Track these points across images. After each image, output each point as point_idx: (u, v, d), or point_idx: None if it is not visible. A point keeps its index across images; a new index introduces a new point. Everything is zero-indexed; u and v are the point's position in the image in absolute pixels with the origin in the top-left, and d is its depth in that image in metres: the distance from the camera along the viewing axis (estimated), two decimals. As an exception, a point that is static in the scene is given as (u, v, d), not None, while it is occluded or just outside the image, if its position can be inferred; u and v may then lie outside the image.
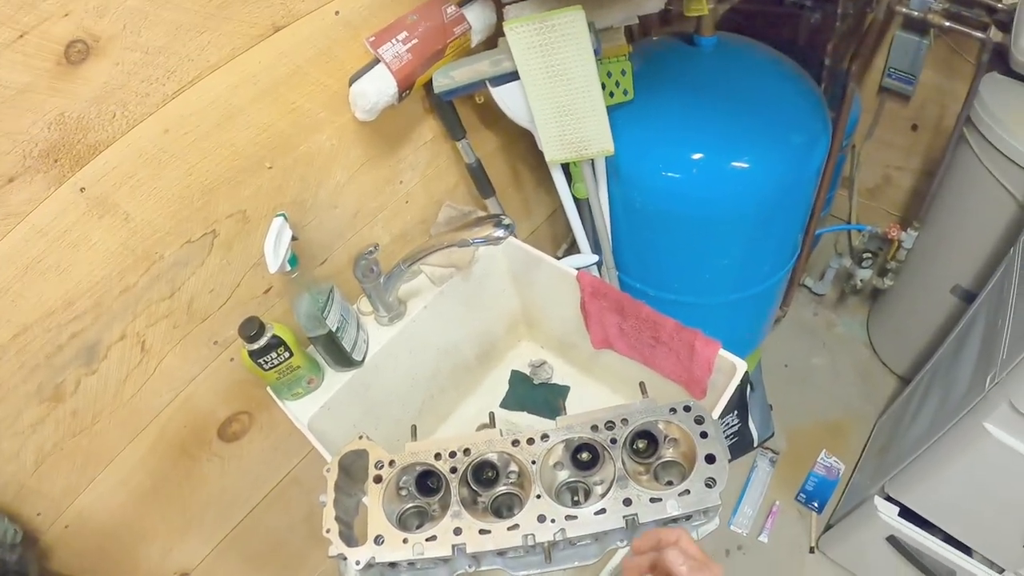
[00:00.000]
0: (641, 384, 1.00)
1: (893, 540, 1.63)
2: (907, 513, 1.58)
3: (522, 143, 1.58)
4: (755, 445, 2.05)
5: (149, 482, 1.23)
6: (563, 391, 1.49)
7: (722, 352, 1.14)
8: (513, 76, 1.19)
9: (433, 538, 0.85)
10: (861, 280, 2.16)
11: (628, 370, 1.34)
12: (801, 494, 2.05)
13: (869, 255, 2.15)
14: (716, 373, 1.16)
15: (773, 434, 2.11)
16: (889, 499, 1.62)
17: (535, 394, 1.50)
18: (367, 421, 1.30)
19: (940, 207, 1.89)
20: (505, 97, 1.23)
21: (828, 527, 1.97)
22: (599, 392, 1.46)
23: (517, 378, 1.53)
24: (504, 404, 1.50)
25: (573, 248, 1.75)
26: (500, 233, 1.06)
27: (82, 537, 1.18)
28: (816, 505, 2.03)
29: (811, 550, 1.97)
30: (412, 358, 1.35)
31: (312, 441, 1.16)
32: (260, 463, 1.42)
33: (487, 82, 1.21)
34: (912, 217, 2.03)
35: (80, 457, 1.11)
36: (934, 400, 1.64)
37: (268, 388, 1.24)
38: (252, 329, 1.08)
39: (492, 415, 1.00)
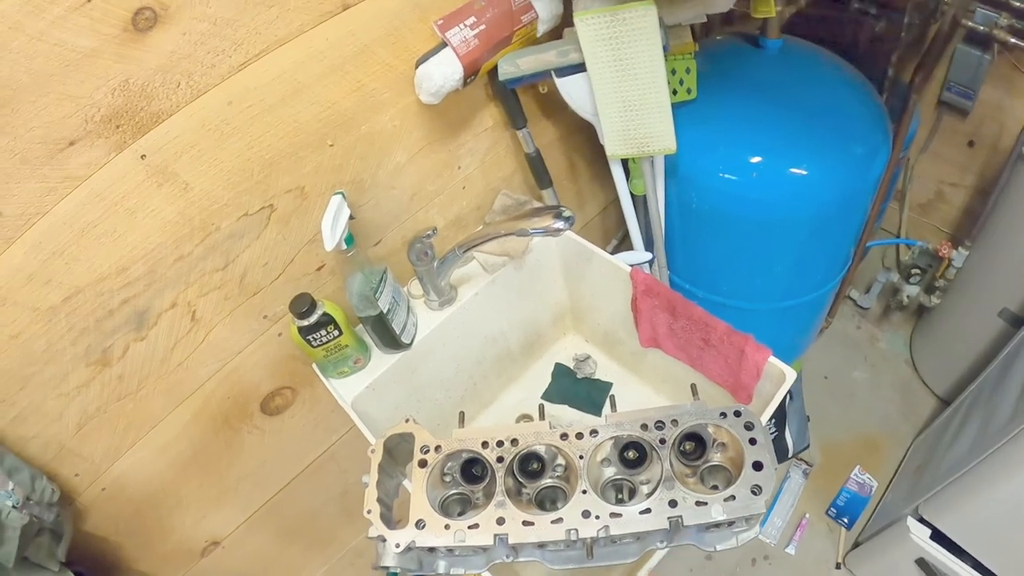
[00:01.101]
0: (692, 386, 0.98)
1: (922, 563, 1.59)
2: (939, 537, 1.54)
3: (580, 135, 1.56)
4: (790, 455, 2.02)
5: (189, 451, 1.24)
6: (605, 387, 1.47)
7: (772, 359, 1.11)
8: (579, 68, 1.17)
9: (475, 526, 0.83)
10: (908, 296, 2.11)
11: (673, 370, 1.32)
12: (832, 508, 2.01)
13: (917, 271, 2.10)
14: (763, 380, 1.13)
15: (808, 446, 2.07)
16: (922, 521, 1.57)
17: (577, 388, 1.48)
18: (410, 404, 1.29)
19: (993, 227, 1.84)
20: (570, 88, 1.21)
21: (856, 544, 1.93)
22: (641, 390, 1.44)
23: (560, 371, 1.51)
24: (546, 396, 1.49)
25: (623, 244, 1.73)
26: (560, 225, 1.04)
27: (118, 501, 1.18)
28: (846, 521, 1.99)
29: (838, 566, 1.93)
30: (459, 344, 1.34)
31: (355, 420, 1.15)
32: (299, 438, 1.43)
33: (553, 72, 1.19)
34: (962, 235, 1.97)
35: (123, 422, 1.12)
36: (975, 424, 1.59)
37: (314, 365, 1.23)
38: (303, 306, 1.07)
39: (542, 407, 0.99)
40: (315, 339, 1.11)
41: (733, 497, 0.82)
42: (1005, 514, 1.35)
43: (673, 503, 0.83)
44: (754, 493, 0.83)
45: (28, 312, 0.92)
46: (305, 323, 1.08)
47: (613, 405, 0.97)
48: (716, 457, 0.90)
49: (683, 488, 0.84)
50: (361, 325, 1.20)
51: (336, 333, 1.12)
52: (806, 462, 2.09)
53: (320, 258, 1.20)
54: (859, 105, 1.41)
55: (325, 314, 1.09)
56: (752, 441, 0.86)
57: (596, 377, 1.49)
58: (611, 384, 1.48)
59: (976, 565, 1.48)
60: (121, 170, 0.90)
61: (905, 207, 2.21)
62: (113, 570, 1.27)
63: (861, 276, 2.31)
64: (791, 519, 2.01)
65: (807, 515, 2.01)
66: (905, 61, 1.78)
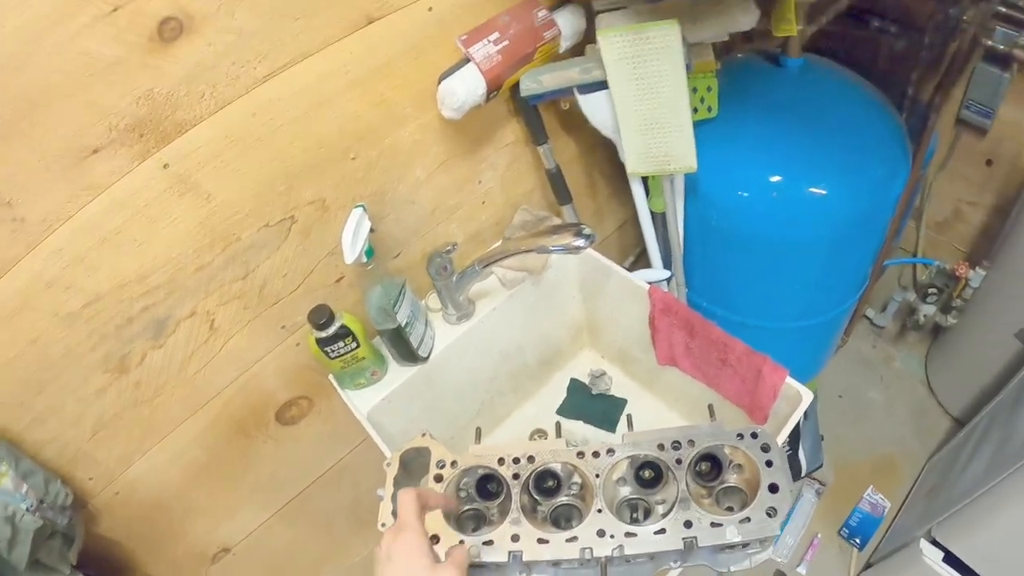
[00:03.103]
0: (710, 407, 0.98)
1: (934, 586, 1.57)
2: (951, 560, 1.51)
3: (600, 152, 1.56)
4: (803, 474, 2.00)
5: (203, 458, 1.24)
6: (621, 403, 1.47)
7: (789, 380, 1.11)
8: (602, 85, 1.17)
9: (490, 542, 0.83)
10: (924, 316, 2.10)
11: (688, 389, 1.31)
12: (844, 529, 2.00)
13: (934, 291, 2.09)
14: (780, 400, 1.13)
15: (821, 465, 2.05)
16: (935, 543, 1.55)
17: (593, 404, 1.48)
18: (425, 417, 1.29)
19: (1011, 247, 1.83)
20: (592, 106, 1.21)
21: (868, 565, 1.91)
22: (656, 408, 1.43)
23: (576, 386, 1.51)
24: (561, 411, 1.48)
25: (640, 260, 1.73)
26: (580, 243, 1.04)
27: (130, 506, 1.19)
28: (858, 541, 1.97)
29: (849, 586, 1.92)
30: (476, 358, 1.34)
31: (370, 433, 1.15)
32: (314, 448, 1.43)
33: (575, 89, 1.19)
34: (980, 255, 1.96)
35: (138, 428, 1.12)
36: (990, 446, 1.58)
37: (331, 376, 1.24)
38: (322, 317, 1.07)
39: (558, 424, 0.98)
40: (333, 351, 1.11)
41: (748, 519, 0.81)
42: (1020, 538, 1.33)
43: (688, 524, 0.82)
44: (769, 515, 0.82)
45: (48, 317, 0.93)
46: (323, 334, 1.09)
47: (630, 424, 0.96)
48: (732, 478, 0.89)
49: (698, 509, 0.84)
50: (379, 337, 1.20)
51: (354, 345, 1.12)
52: (819, 481, 2.08)
53: (340, 270, 1.20)
54: (879, 124, 1.41)
55: (343, 326, 1.10)
56: (768, 463, 0.86)
57: (611, 393, 1.49)
58: (626, 401, 1.47)
59: None
60: (144, 179, 0.91)
61: (922, 225, 2.20)
62: (124, 573, 1.27)
63: (877, 295, 2.30)
64: (803, 538, 1.99)
65: (819, 535, 2.00)
66: (924, 80, 1.77)
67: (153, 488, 1.21)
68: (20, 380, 0.95)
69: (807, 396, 1.10)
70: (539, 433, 1.44)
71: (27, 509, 0.93)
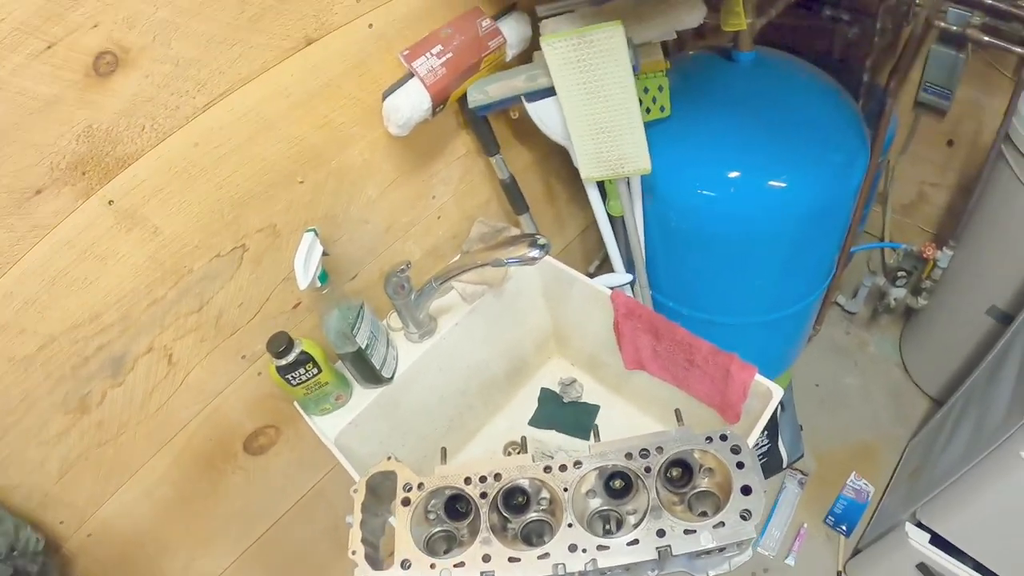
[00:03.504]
0: (677, 411, 0.97)
1: (923, 568, 1.57)
2: (939, 540, 1.52)
3: (555, 158, 1.55)
4: (784, 466, 2.00)
5: (174, 493, 1.22)
6: (593, 410, 1.46)
7: (758, 377, 1.10)
8: (549, 92, 1.16)
9: (461, 564, 0.82)
10: (895, 299, 2.10)
11: (659, 392, 1.31)
12: (830, 517, 2.00)
13: (903, 273, 2.09)
14: (751, 398, 1.12)
15: (802, 455, 2.06)
16: (920, 525, 1.56)
17: (565, 412, 1.47)
18: (394, 438, 1.28)
19: (976, 226, 1.83)
20: (541, 113, 1.20)
21: (856, 551, 1.91)
22: (629, 412, 1.42)
23: (547, 396, 1.50)
24: (533, 422, 1.47)
25: (604, 264, 1.72)
26: (535, 253, 1.03)
27: (104, 546, 1.16)
28: (844, 528, 1.97)
29: (838, 574, 1.92)
30: (442, 375, 1.32)
31: (339, 458, 1.13)
32: (285, 476, 1.41)
33: (522, 97, 1.18)
34: (947, 234, 1.97)
35: (105, 467, 1.10)
36: (968, 425, 1.58)
37: (295, 403, 1.22)
38: (280, 345, 1.06)
39: (524, 439, 0.98)
40: (294, 378, 1.09)
41: (722, 523, 0.81)
42: (1004, 515, 1.34)
43: (661, 532, 0.82)
44: (743, 518, 0.82)
45: (3, 362, 0.90)
46: (283, 362, 1.07)
47: (596, 435, 0.95)
48: (704, 483, 0.89)
49: (671, 517, 0.83)
50: (340, 361, 1.19)
51: (315, 371, 1.10)
52: (801, 471, 2.08)
53: (296, 296, 1.18)
54: (835, 113, 1.41)
55: (303, 352, 1.08)
56: (740, 465, 0.86)
57: (583, 400, 1.48)
58: (598, 407, 1.46)
59: (977, 567, 1.47)
60: (89, 217, 0.89)
61: (888, 209, 2.21)
62: (105, 615, 1.25)
63: (847, 281, 2.31)
64: (789, 529, 1.99)
65: (805, 525, 1.99)
66: (880, 66, 1.78)
67: (126, 527, 1.18)
68: (-21, 427, 0.93)
69: (777, 392, 1.10)
70: (513, 446, 1.42)
71: None
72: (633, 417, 1.42)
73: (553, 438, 1.43)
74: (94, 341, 0.97)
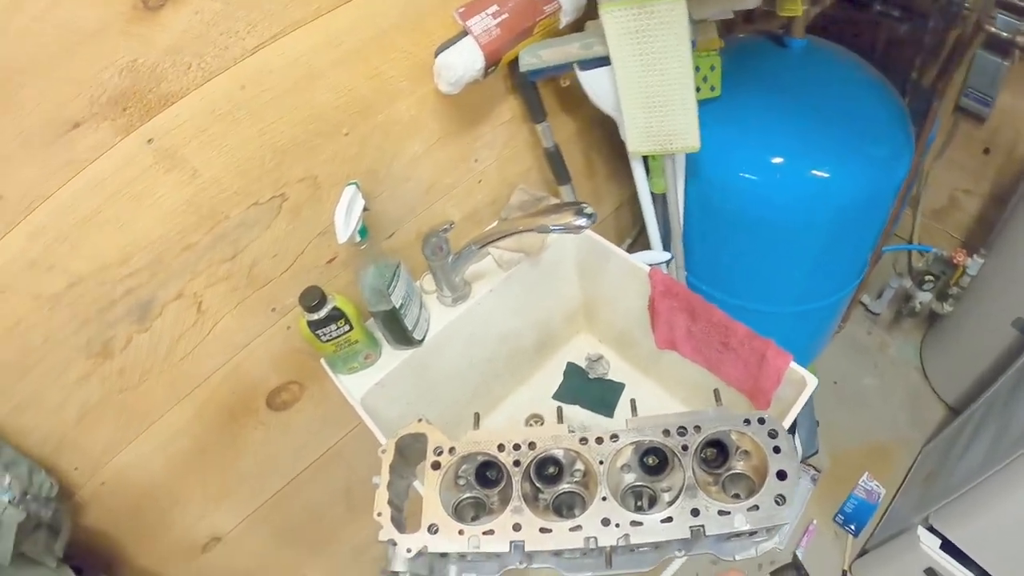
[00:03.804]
0: (715, 391, 0.94)
1: (931, 572, 1.55)
2: (948, 547, 1.51)
3: (599, 131, 1.50)
4: (798, 461, 1.98)
5: (192, 446, 1.19)
6: (618, 388, 1.43)
7: (793, 365, 1.08)
8: (604, 61, 1.12)
9: (491, 532, 0.79)
10: (920, 303, 2.07)
11: (688, 373, 1.27)
12: (839, 515, 1.98)
13: (931, 278, 2.06)
14: (783, 386, 1.10)
15: (817, 451, 2.03)
16: (932, 530, 1.54)
17: (590, 388, 1.43)
18: (420, 402, 1.25)
19: (1009, 236, 1.80)
20: (592, 82, 1.16)
21: (863, 552, 1.90)
22: (654, 393, 1.39)
23: (573, 370, 1.46)
24: (557, 396, 1.44)
25: (636, 243, 1.68)
26: (581, 222, 1.00)
27: (118, 495, 1.14)
28: (853, 528, 1.95)
29: (844, 573, 1.90)
30: (472, 341, 1.29)
31: (364, 418, 1.11)
32: (305, 434, 1.38)
33: (576, 65, 1.14)
34: (975, 243, 1.94)
35: (124, 415, 1.07)
36: (988, 435, 1.56)
37: (322, 360, 1.19)
38: (313, 299, 1.02)
39: (560, 409, 0.94)
40: (325, 334, 1.06)
41: (757, 507, 0.78)
42: (1018, 526, 1.32)
43: (695, 512, 0.79)
44: (777, 503, 0.78)
45: (29, 300, 0.87)
46: (315, 317, 1.04)
47: (634, 409, 0.92)
48: (739, 465, 0.86)
49: (705, 497, 0.80)
50: (372, 320, 1.16)
51: (346, 328, 1.07)
52: (814, 467, 2.05)
53: (332, 250, 1.15)
54: (882, 108, 1.38)
55: (336, 308, 1.05)
56: (776, 449, 0.82)
57: (609, 378, 1.45)
58: (623, 385, 1.43)
59: None
60: (127, 155, 0.86)
61: (919, 213, 2.17)
62: (112, 565, 1.23)
63: (873, 281, 2.27)
64: (798, 524, 1.97)
65: (814, 521, 1.97)
66: (927, 65, 1.74)
67: (141, 477, 1.16)
68: (1, 365, 0.90)
69: (811, 381, 1.07)
70: (535, 418, 1.40)
71: (10, 501, 0.88)
72: (660, 398, 1.38)
73: (576, 414, 1.40)
74: (123, 284, 0.94)
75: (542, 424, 1.35)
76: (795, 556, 0.67)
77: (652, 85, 1.11)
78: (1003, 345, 1.88)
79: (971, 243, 2.09)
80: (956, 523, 1.48)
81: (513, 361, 1.42)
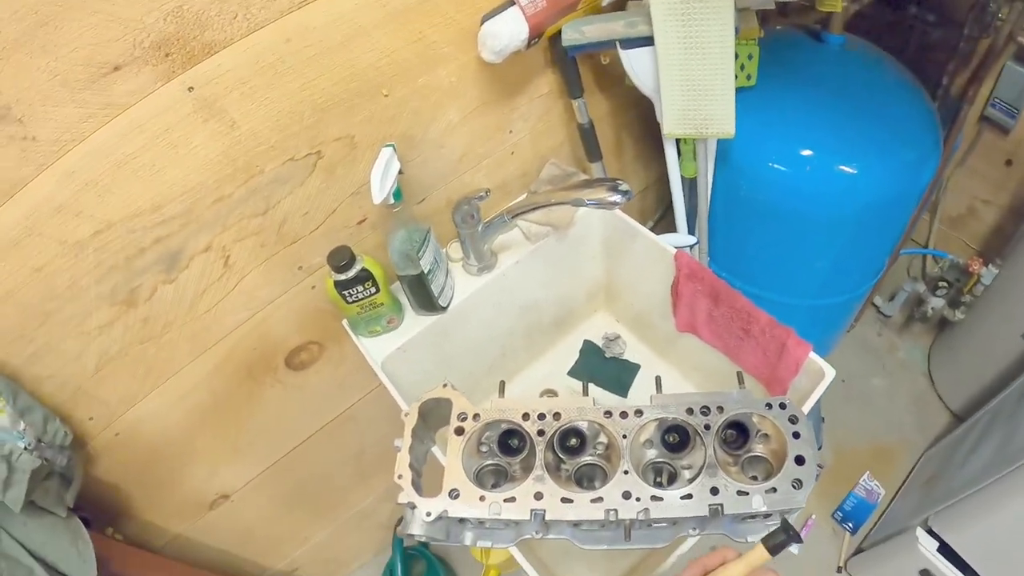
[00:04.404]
0: (739, 374, 0.92)
1: (926, 575, 1.54)
2: (945, 551, 1.50)
3: (632, 111, 1.48)
4: (817, 448, 1.97)
5: (208, 401, 1.18)
6: (634, 368, 1.40)
7: (812, 355, 1.05)
8: (646, 41, 1.09)
9: (512, 500, 0.78)
10: (932, 308, 2.05)
11: (704, 358, 1.26)
12: (838, 512, 1.96)
13: (945, 284, 2.04)
14: (800, 376, 1.07)
15: (820, 447, 2.01)
16: (931, 533, 1.53)
17: (605, 367, 1.41)
18: (439, 370, 1.23)
19: (1025, 249, 1.78)
20: (634, 62, 1.13)
21: (859, 550, 1.88)
22: (669, 376, 1.36)
23: (589, 348, 1.44)
24: (573, 373, 1.42)
25: (659, 226, 1.66)
26: (616, 198, 0.98)
27: (130, 448, 1.13)
28: (851, 526, 1.94)
29: (839, 570, 1.89)
30: (494, 312, 1.27)
31: (385, 382, 1.09)
32: (321, 396, 1.37)
33: (618, 43, 1.11)
34: (990, 253, 1.92)
35: (143, 366, 1.06)
36: (992, 443, 1.55)
37: (344, 321, 1.17)
38: (343, 258, 1.01)
39: (586, 384, 0.92)
40: (351, 295, 1.05)
41: (775, 489, 0.77)
42: (1017, 534, 1.31)
43: (715, 491, 0.78)
44: (795, 487, 0.78)
45: (55, 244, 0.86)
46: (343, 277, 1.02)
47: (658, 386, 0.90)
48: (758, 448, 0.85)
49: (725, 476, 0.79)
50: (397, 284, 1.14)
51: (373, 290, 1.05)
52: (817, 464, 2.03)
53: (363, 211, 1.13)
54: (914, 111, 1.36)
55: (364, 269, 1.03)
56: (796, 435, 0.81)
57: (624, 358, 1.42)
58: (639, 366, 1.41)
59: None
60: (167, 101, 0.84)
61: (936, 219, 2.14)
62: (119, 517, 1.22)
63: (886, 283, 2.25)
64: (797, 518, 1.95)
65: (813, 516, 1.96)
66: (957, 72, 1.71)
67: (155, 430, 1.15)
68: (22, 310, 0.89)
69: (829, 373, 1.05)
70: (549, 393, 1.38)
71: (25, 448, 0.87)
72: (675, 381, 1.36)
73: (591, 392, 1.36)
74: (152, 232, 0.93)
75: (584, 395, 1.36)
76: (784, 520, 0.66)
77: (693, 69, 1.09)
78: (1011, 356, 1.86)
79: (986, 253, 2.06)
80: (955, 527, 1.47)
81: (531, 335, 1.40)
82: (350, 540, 1.87)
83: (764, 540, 0.71)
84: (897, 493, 1.98)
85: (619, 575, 1.20)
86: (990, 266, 1.90)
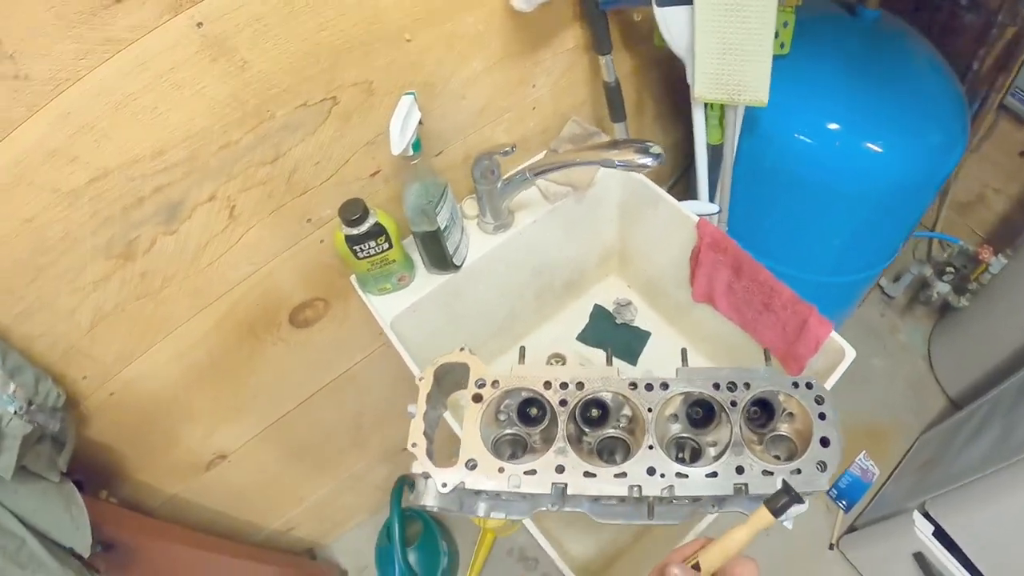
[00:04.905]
0: (766, 351, 0.87)
1: (920, 558, 1.53)
2: (939, 535, 1.49)
3: (655, 71, 1.40)
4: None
5: (208, 359, 1.12)
6: (644, 336, 1.35)
7: (834, 335, 1.02)
8: (684, 0, 1.03)
9: (532, 472, 0.72)
10: (937, 293, 2.01)
11: (717, 329, 1.21)
12: (833, 490, 1.94)
13: (951, 270, 2.00)
14: (819, 355, 1.04)
15: (818, 425, 1.98)
16: (927, 517, 1.52)
17: (615, 334, 1.36)
18: (447, 330, 1.17)
19: (1038, 241, 1.75)
20: (669, 20, 1.06)
21: (852, 528, 1.87)
22: (680, 344, 1.29)
23: (599, 313, 1.38)
24: (581, 338, 1.36)
25: (674, 191, 1.60)
26: (647, 161, 0.91)
27: (125, 408, 1.07)
28: (845, 504, 1.92)
29: (831, 546, 1.88)
30: (507, 272, 1.21)
31: (394, 343, 1.03)
32: (323, 355, 1.31)
33: (654, 0, 1.04)
34: (997, 241, 1.89)
35: (140, 323, 0.99)
36: (992, 433, 1.53)
37: (352, 278, 1.11)
38: (356, 212, 0.94)
39: (609, 353, 0.86)
40: (362, 250, 0.98)
41: (799, 470, 0.73)
42: (1013, 524, 1.31)
43: (740, 469, 0.73)
44: (819, 469, 0.73)
45: (47, 193, 0.78)
46: (354, 231, 0.95)
47: (684, 359, 0.85)
48: (783, 427, 0.80)
49: (751, 455, 0.74)
50: (413, 240, 1.07)
51: (386, 246, 0.99)
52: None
53: (376, 163, 1.05)
54: (944, 95, 1.31)
55: (377, 224, 0.96)
56: (821, 416, 0.76)
57: (635, 325, 1.37)
58: (649, 334, 1.36)
59: (970, 569, 1.44)
60: (172, 37, 0.76)
61: (945, 204, 2.09)
62: (113, 479, 1.17)
63: (892, 265, 2.22)
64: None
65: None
66: (987, 58, 1.66)
67: (151, 389, 1.08)
68: (11, 264, 0.82)
69: (850, 353, 1.02)
70: (556, 358, 1.32)
71: (15, 412, 0.80)
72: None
73: (599, 358, 1.33)
74: (152, 180, 0.85)
75: (564, 364, 1.30)
76: (784, 482, 0.63)
77: (731, 32, 1.02)
78: (1013, 347, 1.83)
79: (993, 241, 2.02)
80: (952, 513, 1.46)
81: (541, 297, 1.34)
82: (347, 500, 1.83)
83: (767, 502, 0.66)
84: (891, 474, 1.96)
85: (622, 544, 1.17)
86: (1000, 256, 1.87)
